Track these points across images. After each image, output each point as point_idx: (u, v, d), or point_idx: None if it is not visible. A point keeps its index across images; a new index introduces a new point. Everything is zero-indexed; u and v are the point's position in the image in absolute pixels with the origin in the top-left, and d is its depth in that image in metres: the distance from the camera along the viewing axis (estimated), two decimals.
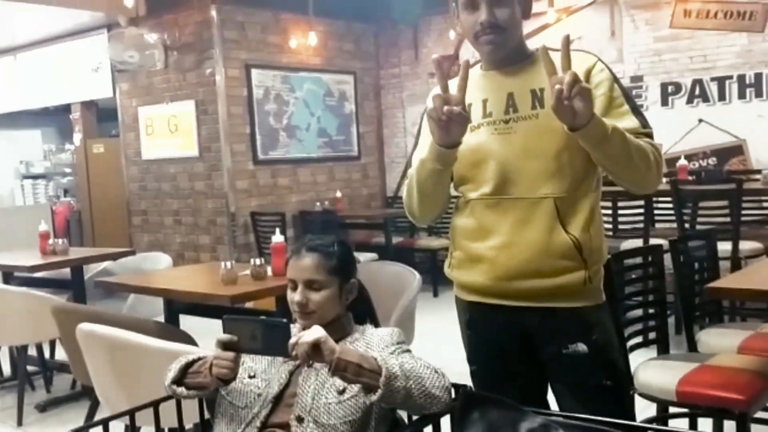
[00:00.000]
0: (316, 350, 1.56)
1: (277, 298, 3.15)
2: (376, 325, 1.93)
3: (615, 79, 1.79)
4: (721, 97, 5.90)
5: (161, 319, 3.75)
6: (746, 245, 4.58)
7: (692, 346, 3.07)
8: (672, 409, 2.65)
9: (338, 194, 7.20)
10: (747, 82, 5.78)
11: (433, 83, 7.69)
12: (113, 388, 2.65)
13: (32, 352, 4.51)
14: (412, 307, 3.63)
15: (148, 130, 7.10)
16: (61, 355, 4.87)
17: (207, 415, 1.94)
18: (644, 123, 1.76)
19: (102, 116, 8.30)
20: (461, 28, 1.86)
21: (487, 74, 1.89)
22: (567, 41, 1.62)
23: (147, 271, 4.53)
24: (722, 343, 2.94)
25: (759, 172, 5.28)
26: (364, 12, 7.55)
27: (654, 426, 1.54)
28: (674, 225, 4.86)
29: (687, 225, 4.85)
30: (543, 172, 1.77)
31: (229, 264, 3.17)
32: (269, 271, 3.26)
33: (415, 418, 1.72)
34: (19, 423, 3.94)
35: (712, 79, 5.94)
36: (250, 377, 1.81)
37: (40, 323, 3.93)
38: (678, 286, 3.17)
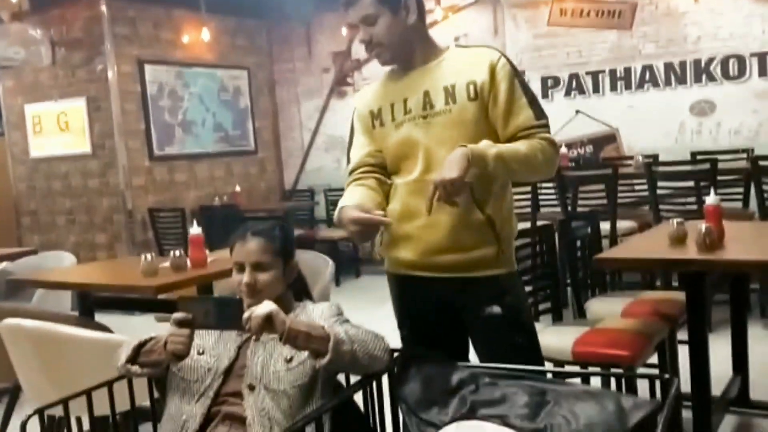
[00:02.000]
0: (268, 322, 1.72)
1: (198, 288, 3.24)
2: (312, 300, 2.10)
3: (515, 73, 2.03)
4: (596, 89, 6.42)
5: None
6: (622, 224, 5.04)
7: (582, 314, 3.43)
8: (568, 368, 2.98)
9: (237, 188, 7.25)
10: (618, 75, 6.32)
11: (326, 78, 7.80)
12: (43, 382, 2.68)
13: None
14: (327, 292, 3.81)
15: (35, 128, 6.88)
16: None
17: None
18: (538, 114, 2.02)
19: None
20: None
21: (404, 74, 2.11)
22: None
23: (50, 269, 4.45)
24: (607, 309, 3.30)
25: (631, 158, 5.80)
26: (257, 9, 7.60)
27: (560, 369, 1.81)
28: (557, 209, 5.28)
29: (569, 208, 5.29)
30: None
31: (149, 256, 3.23)
32: (188, 262, 3.34)
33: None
34: None
35: (587, 73, 6.44)
36: (200, 354, 1.94)
37: None
38: (567, 261, 3.52)
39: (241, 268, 1.96)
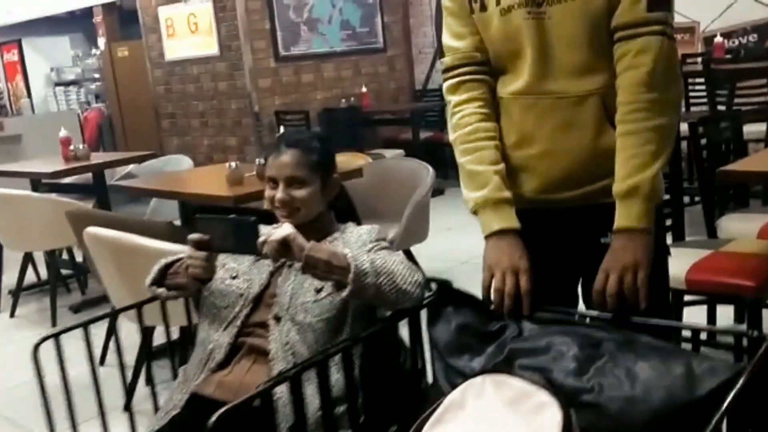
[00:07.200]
0: (285, 248, 1.53)
1: None
2: (358, 223, 1.88)
3: None
4: None
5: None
6: None
7: (712, 232, 2.97)
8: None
9: (363, 89, 7.04)
10: None
11: None
12: (120, 289, 2.70)
13: (66, 256, 4.63)
14: (425, 202, 3.59)
15: (169, 31, 6.99)
16: None
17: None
18: (652, 4, 1.47)
19: (125, 19, 8.20)
20: None
21: None
22: None
23: (168, 173, 4.54)
24: (742, 228, 2.83)
25: None
26: None
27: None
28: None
29: (723, 107, 4.63)
30: (585, 64, 1.53)
31: (233, 164, 3.14)
32: None
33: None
34: (53, 324, 4.08)
35: None
36: (233, 278, 1.79)
37: (67, 228, 4.01)
38: (697, 170, 3.04)
39: (275, 184, 1.76)
